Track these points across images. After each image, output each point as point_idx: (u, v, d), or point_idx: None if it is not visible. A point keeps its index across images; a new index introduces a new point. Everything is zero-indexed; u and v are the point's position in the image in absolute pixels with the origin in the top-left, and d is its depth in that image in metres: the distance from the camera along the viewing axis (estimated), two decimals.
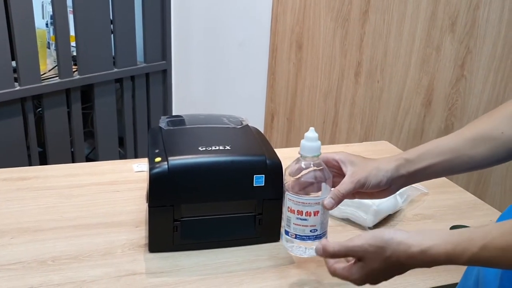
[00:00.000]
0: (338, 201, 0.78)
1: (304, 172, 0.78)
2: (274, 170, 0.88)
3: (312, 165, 0.79)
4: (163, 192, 0.84)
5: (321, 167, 0.79)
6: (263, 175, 0.87)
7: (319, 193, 0.78)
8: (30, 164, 1.95)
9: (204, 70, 2.34)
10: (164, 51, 2.35)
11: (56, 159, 2.03)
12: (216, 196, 0.87)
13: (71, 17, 1.95)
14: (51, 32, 2.32)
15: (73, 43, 1.99)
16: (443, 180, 1.25)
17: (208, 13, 2.23)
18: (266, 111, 2.09)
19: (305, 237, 0.80)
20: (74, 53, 2.01)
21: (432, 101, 1.58)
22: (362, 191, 0.79)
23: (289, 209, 0.80)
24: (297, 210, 0.78)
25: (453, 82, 1.53)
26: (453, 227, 1.02)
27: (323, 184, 0.79)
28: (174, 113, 2.51)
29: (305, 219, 0.78)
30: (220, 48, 2.23)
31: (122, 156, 2.37)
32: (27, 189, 1.09)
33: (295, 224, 0.79)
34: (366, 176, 0.77)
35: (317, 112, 1.89)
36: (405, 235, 0.64)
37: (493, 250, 0.57)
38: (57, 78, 1.95)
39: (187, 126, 0.99)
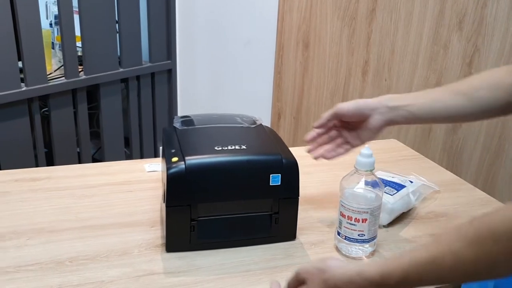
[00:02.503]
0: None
1: (357, 183, 0.87)
2: (290, 169, 0.88)
3: (365, 178, 0.87)
4: (180, 192, 0.84)
5: (373, 180, 0.87)
6: (280, 174, 0.87)
7: (369, 203, 0.86)
8: (36, 165, 1.95)
9: (209, 69, 2.34)
10: (169, 50, 2.35)
11: (62, 160, 2.03)
12: (233, 195, 0.87)
13: (76, 17, 1.94)
14: (55, 32, 2.32)
15: (78, 43, 1.99)
16: (453, 177, 1.25)
17: (214, 12, 2.23)
18: (273, 110, 2.09)
19: (353, 240, 0.88)
20: (79, 53, 2.01)
21: None
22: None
23: (341, 213, 0.88)
24: (348, 216, 0.87)
25: (460, 79, 1.53)
26: None
27: (374, 195, 0.86)
28: (179, 113, 2.51)
29: (354, 224, 0.86)
30: (226, 47, 2.23)
31: (128, 156, 2.37)
32: (40, 189, 1.09)
33: (345, 227, 0.88)
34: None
35: (324, 110, 1.87)
36: (346, 262, 0.69)
37: (420, 263, 0.57)
38: (63, 78, 1.95)
39: (202, 126, 0.98)
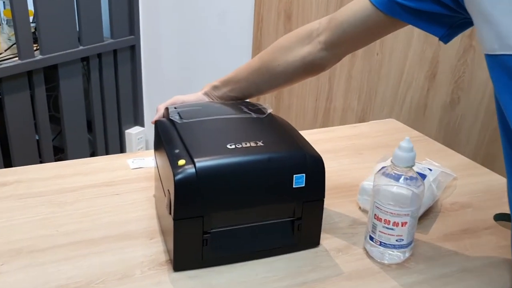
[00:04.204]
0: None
1: (395, 181, 0.75)
2: (315, 167, 0.76)
3: (404, 175, 0.75)
4: (191, 201, 0.71)
5: (413, 178, 0.75)
6: (304, 174, 0.75)
7: (410, 205, 0.75)
8: None
9: (177, 45, 2.16)
10: (132, 24, 2.15)
11: (20, 148, 1.83)
12: (251, 201, 0.74)
13: None
14: (0, 5, 2.07)
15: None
16: (465, 161, 1.17)
17: None
18: None
19: (390, 245, 0.77)
20: (32, 30, 1.80)
21: (437, 73, 1.49)
22: None
23: (375, 216, 0.77)
24: (384, 219, 0.75)
25: (460, 53, 1.43)
26: (496, 216, 0.93)
27: (415, 195, 0.74)
28: (144, 93, 2.32)
29: (391, 229, 0.75)
30: (197, 20, 2.05)
31: (91, 142, 2.18)
32: (10, 197, 0.92)
33: (381, 232, 0.77)
34: None
35: (308, 88, 1.76)
36: None
37: None
38: (17, 59, 1.74)
39: (205, 118, 0.84)
